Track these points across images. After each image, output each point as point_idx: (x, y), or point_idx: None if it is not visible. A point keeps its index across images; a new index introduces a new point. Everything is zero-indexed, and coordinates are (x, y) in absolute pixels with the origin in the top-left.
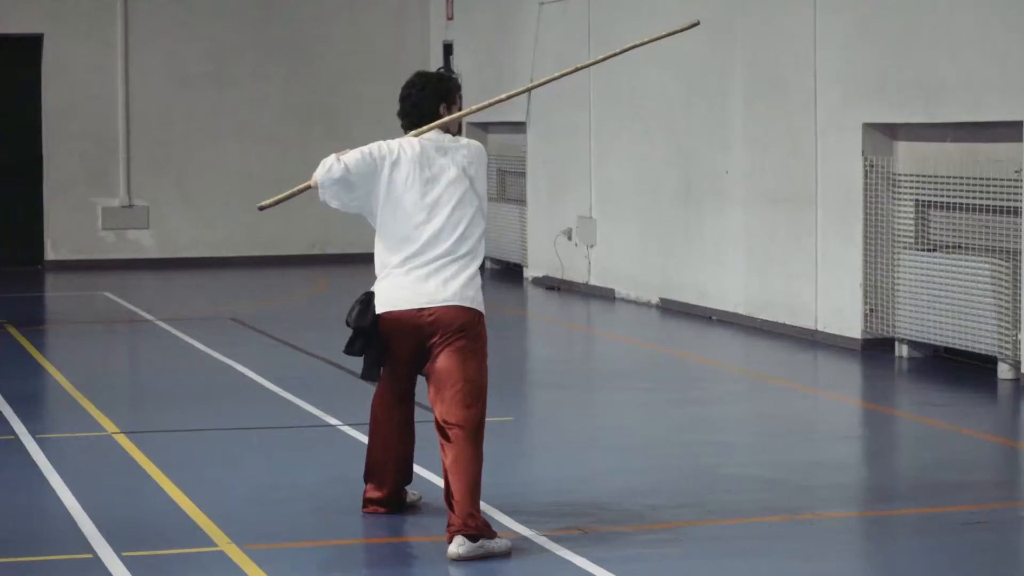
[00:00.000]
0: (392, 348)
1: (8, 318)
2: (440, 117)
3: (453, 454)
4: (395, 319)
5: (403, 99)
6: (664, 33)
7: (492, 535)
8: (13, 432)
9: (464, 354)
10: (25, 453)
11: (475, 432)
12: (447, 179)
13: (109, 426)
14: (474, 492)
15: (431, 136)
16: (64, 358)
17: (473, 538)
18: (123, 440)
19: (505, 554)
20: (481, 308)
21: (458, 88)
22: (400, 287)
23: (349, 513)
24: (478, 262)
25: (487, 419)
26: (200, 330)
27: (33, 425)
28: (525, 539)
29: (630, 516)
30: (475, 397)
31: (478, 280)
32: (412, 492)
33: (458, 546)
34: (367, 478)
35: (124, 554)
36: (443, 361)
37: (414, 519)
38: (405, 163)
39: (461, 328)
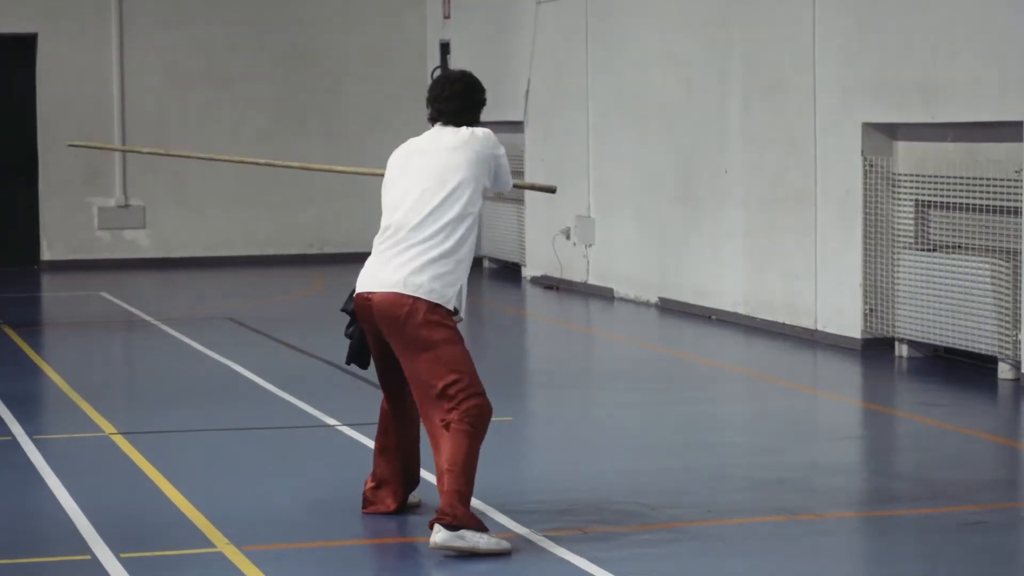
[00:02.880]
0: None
1: (4, 319)
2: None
3: (445, 445)
4: (357, 304)
5: (480, 98)
6: None
7: (477, 527)
8: (10, 433)
9: (414, 353)
10: (22, 454)
11: (466, 423)
12: None
13: (106, 427)
14: (459, 480)
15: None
16: (61, 358)
17: (451, 527)
18: (120, 441)
19: (498, 553)
20: (424, 295)
21: None
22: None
23: (349, 513)
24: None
25: None
26: (197, 330)
27: (30, 426)
28: (525, 539)
29: (630, 516)
30: (463, 389)
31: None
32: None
33: (435, 534)
34: (371, 477)
35: (122, 555)
36: (403, 363)
37: (414, 520)
38: None
39: (399, 320)
